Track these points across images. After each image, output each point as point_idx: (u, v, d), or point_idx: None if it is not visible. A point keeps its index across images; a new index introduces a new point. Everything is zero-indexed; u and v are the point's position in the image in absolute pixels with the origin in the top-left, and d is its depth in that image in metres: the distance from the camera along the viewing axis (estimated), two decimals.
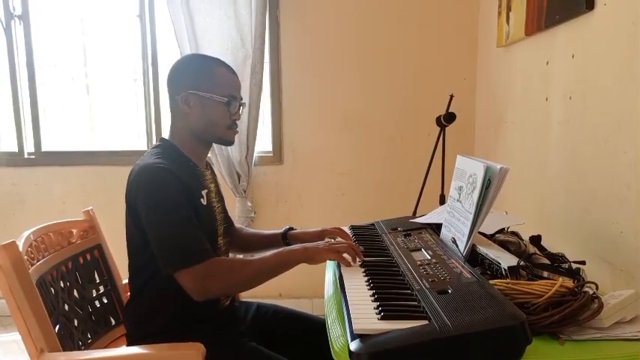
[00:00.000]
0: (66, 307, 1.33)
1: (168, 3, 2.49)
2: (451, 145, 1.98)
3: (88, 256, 1.49)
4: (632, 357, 0.86)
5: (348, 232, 1.50)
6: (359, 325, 0.85)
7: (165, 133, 1.36)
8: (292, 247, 1.23)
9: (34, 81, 2.73)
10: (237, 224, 1.61)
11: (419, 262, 1.15)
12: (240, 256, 1.65)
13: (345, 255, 1.19)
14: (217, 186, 1.43)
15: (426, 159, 1.99)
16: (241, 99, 1.35)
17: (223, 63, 1.33)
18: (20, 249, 1.18)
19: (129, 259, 1.29)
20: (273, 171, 2.75)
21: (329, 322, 1.00)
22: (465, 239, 1.17)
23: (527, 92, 1.97)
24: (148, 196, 1.17)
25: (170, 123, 1.34)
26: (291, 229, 1.52)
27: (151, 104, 2.75)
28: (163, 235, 1.15)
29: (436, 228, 1.43)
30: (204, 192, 1.29)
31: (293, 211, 2.76)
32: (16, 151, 2.77)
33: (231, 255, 1.53)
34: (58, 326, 1.25)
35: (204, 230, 1.21)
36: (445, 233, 1.32)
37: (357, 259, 1.19)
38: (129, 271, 1.31)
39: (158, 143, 1.33)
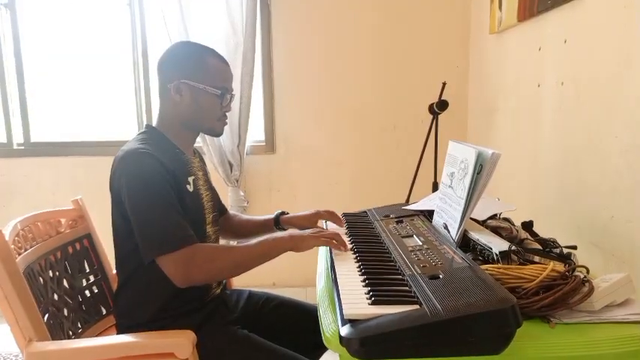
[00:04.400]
0: (55, 296, 1.32)
1: None
2: (444, 134, 1.97)
3: (78, 246, 1.47)
4: (621, 339, 0.86)
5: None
6: (349, 311, 0.84)
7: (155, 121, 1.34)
8: (278, 235, 1.21)
9: (21, 70, 2.69)
10: (231, 211, 1.60)
11: (410, 248, 1.14)
12: (233, 243, 1.64)
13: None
14: (206, 174, 1.41)
15: (419, 147, 1.98)
16: (232, 90, 1.33)
17: (217, 53, 1.31)
18: (7, 238, 1.16)
19: (115, 248, 1.27)
20: (266, 160, 2.73)
21: (321, 308, 1.00)
22: (456, 225, 1.16)
23: (519, 79, 1.97)
24: (130, 181, 1.15)
25: (158, 109, 1.32)
26: (283, 213, 1.51)
27: (141, 94, 2.72)
28: (145, 221, 1.13)
29: (428, 215, 1.42)
30: (190, 178, 1.27)
31: (286, 200, 2.74)
32: (5, 141, 2.74)
33: (223, 242, 1.51)
34: (47, 316, 1.23)
35: (190, 217, 1.19)
36: (437, 219, 1.31)
37: (347, 246, 1.18)
38: (115, 260, 1.29)
39: (144, 130, 1.31)
